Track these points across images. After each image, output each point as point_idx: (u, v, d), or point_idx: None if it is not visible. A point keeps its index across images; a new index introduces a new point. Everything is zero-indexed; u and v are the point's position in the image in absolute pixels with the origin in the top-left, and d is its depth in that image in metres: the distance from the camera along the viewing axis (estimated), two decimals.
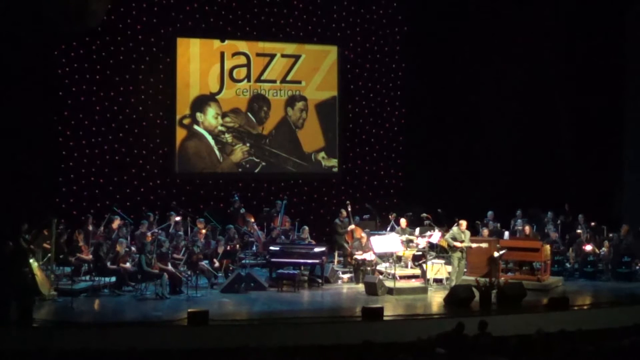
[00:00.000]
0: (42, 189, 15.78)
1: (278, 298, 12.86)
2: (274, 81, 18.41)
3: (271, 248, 14.24)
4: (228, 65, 18.04)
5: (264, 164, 18.28)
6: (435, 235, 14.01)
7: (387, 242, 13.94)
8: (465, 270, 13.75)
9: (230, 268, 13.86)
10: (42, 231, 13.08)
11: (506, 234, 15.81)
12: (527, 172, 17.98)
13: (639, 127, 17.82)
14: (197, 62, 17.83)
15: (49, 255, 12.89)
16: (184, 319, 10.68)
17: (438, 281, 13.83)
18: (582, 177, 18.01)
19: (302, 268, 13.94)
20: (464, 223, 13.61)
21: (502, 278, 13.26)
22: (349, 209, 15.60)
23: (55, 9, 13.72)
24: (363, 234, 14.60)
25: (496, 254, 13.56)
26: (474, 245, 13.60)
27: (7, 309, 10.49)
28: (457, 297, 12.13)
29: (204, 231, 14.70)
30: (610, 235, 15.50)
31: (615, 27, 17.87)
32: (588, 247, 15.03)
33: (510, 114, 18.41)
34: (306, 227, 15.32)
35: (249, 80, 18.22)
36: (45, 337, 9.82)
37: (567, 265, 15.35)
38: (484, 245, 13.70)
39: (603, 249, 15.01)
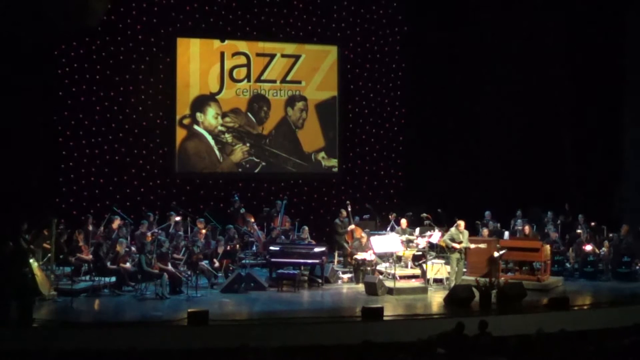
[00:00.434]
0: (42, 189, 15.79)
1: (278, 298, 12.86)
2: (274, 81, 18.42)
3: (271, 248, 14.24)
4: (228, 65, 18.05)
5: (264, 164, 18.28)
6: (435, 235, 14.01)
7: (387, 242, 13.94)
8: (465, 270, 13.76)
9: (230, 268, 13.85)
10: (42, 231, 13.07)
11: (506, 234, 15.81)
12: (527, 172, 17.99)
13: (639, 127, 17.81)
14: (197, 62, 17.84)
15: (49, 255, 12.89)
16: (184, 319, 10.67)
17: (438, 281, 13.82)
18: (582, 177, 18.02)
19: (302, 268, 13.93)
20: (462, 223, 13.61)
21: (502, 278, 13.26)
22: (349, 209, 15.61)
23: (56, 9, 13.71)
24: (363, 234, 14.60)
25: (496, 254, 13.56)
26: (472, 246, 13.61)
27: (7, 309, 10.49)
28: (457, 297, 12.13)
29: (204, 231, 14.69)
30: (610, 235, 15.50)
31: (615, 27, 17.86)
32: (588, 247, 15.03)
33: (510, 114, 18.42)
34: (306, 227, 15.32)
35: (249, 80, 18.22)
36: (45, 337, 9.81)
37: (567, 265, 15.35)
38: (482, 245, 13.70)
39: (603, 249, 15.00)
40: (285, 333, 10.41)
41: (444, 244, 13.64)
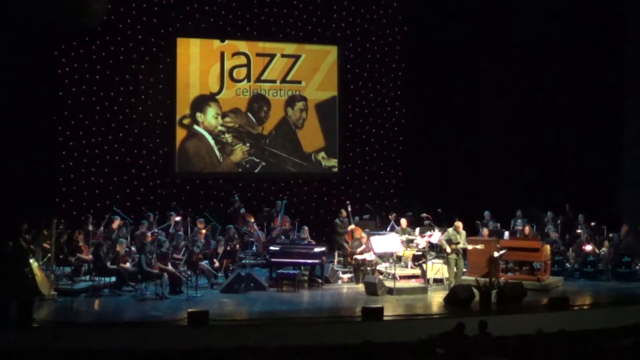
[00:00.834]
0: (42, 189, 15.78)
1: (278, 298, 12.86)
2: (274, 81, 18.41)
3: (271, 248, 14.25)
4: (228, 65, 18.04)
5: (264, 164, 18.28)
6: (435, 235, 14.01)
7: (387, 242, 13.94)
8: (465, 270, 13.76)
9: (230, 268, 13.85)
10: (42, 231, 13.07)
11: (506, 234, 15.81)
12: (527, 172, 17.99)
13: (639, 127, 17.80)
14: (197, 62, 17.84)
15: (49, 255, 12.89)
16: (184, 319, 10.68)
17: (438, 281, 13.83)
18: (582, 177, 18.01)
19: (302, 268, 13.93)
20: (460, 224, 13.62)
21: (502, 278, 13.26)
22: (349, 209, 15.61)
23: (56, 8, 13.71)
24: (363, 234, 14.60)
25: (496, 254, 13.55)
26: (470, 246, 13.61)
27: (7, 309, 10.49)
28: (457, 297, 12.13)
29: (204, 231, 14.69)
30: (610, 235, 15.49)
31: (615, 28, 17.85)
32: (588, 247, 15.03)
33: (510, 114, 18.42)
34: (306, 227, 15.33)
35: (249, 80, 18.22)
36: (45, 337, 9.81)
37: (567, 265, 15.34)
38: (480, 246, 13.69)
39: (603, 249, 14.99)
40: (285, 333, 10.41)
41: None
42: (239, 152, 18.14)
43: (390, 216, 16.00)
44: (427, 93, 18.61)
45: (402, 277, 13.82)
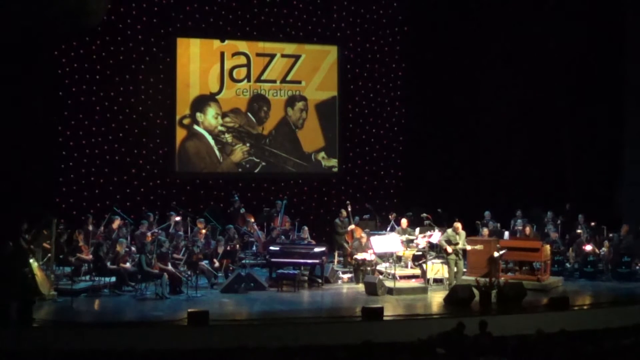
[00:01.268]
0: (42, 189, 15.78)
1: (278, 298, 12.85)
2: (274, 81, 18.41)
3: (271, 248, 14.24)
4: (228, 65, 18.05)
5: (264, 164, 18.28)
6: (435, 235, 14.01)
7: (387, 242, 13.94)
8: (465, 270, 13.76)
9: (230, 268, 13.86)
10: (42, 231, 13.04)
11: (506, 234, 15.81)
12: (527, 172, 17.98)
13: (639, 127, 17.81)
14: (197, 62, 17.84)
15: (49, 255, 12.89)
16: (184, 319, 10.68)
17: (438, 281, 13.82)
18: (582, 177, 18.01)
19: (302, 268, 13.92)
20: (459, 225, 13.62)
21: (502, 278, 13.26)
22: (349, 209, 15.62)
23: (56, 8, 13.70)
24: (363, 234, 14.60)
25: (496, 254, 13.55)
26: (469, 247, 13.61)
27: (7, 309, 10.49)
28: (457, 297, 12.13)
29: (204, 231, 14.69)
30: (610, 235, 15.49)
31: (615, 28, 17.85)
32: (588, 247, 15.02)
33: (510, 114, 18.41)
34: (306, 227, 15.33)
35: (249, 80, 18.22)
36: (45, 337, 9.81)
37: (567, 265, 15.35)
38: (480, 246, 13.69)
39: (603, 249, 14.99)
40: (285, 333, 10.41)
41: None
42: (239, 152, 18.14)
43: (390, 216, 16.00)
44: (427, 93, 18.62)
45: (402, 277, 13.82)
